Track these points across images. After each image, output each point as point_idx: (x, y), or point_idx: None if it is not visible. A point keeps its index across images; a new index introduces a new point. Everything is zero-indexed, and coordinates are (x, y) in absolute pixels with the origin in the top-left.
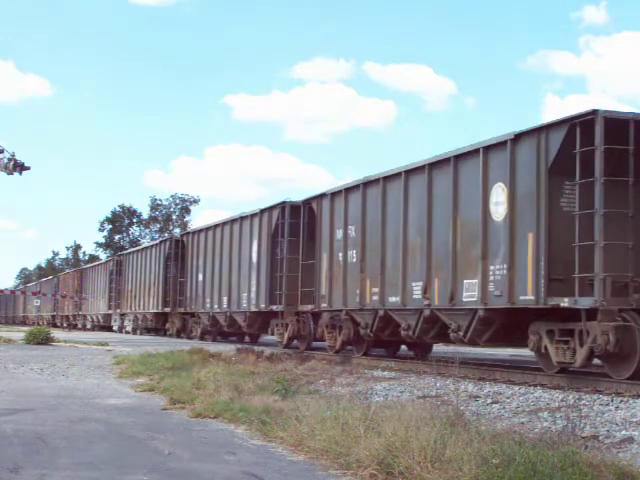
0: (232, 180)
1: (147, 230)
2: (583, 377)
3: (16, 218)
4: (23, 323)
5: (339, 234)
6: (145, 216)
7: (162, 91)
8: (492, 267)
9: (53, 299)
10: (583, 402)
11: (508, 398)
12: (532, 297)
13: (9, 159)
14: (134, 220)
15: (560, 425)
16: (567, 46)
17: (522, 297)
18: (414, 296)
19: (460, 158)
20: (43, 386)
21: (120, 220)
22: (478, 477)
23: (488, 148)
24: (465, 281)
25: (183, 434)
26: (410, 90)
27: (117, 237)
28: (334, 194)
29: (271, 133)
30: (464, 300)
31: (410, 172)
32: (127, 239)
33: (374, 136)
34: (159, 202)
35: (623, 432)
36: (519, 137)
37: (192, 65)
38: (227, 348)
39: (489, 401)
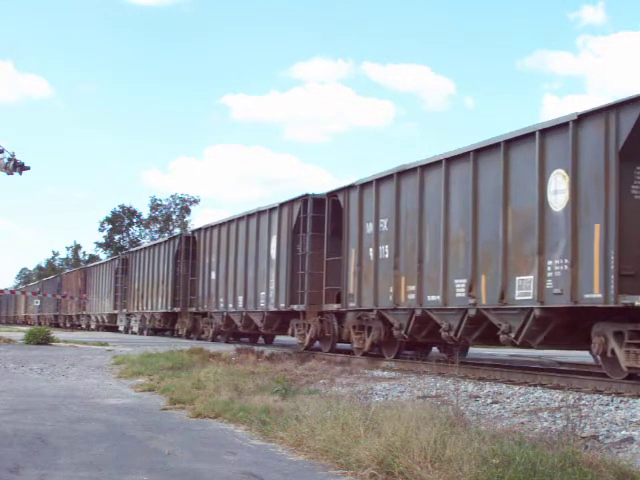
0: (231, 180)
1: (147, 230)
2: (583, 377)
3: (16, 218)
4: (24, 323)
5: (369, 228)
6: (145, 216)
7: (161, 91)
8: (550, 262)
9: (55, 299)
10: (583, 402)
11: (508, 398)
12: (599, 295)
13: (9, 159)
14: (134, 220)
15: (560, 425)
16: (565, 46)
17: (587, 295)
18: (457, 294)
19: (511, 143)
20: (43, 386)
21: (120, 220)
22: (478, 477)
23: (545, 131)
24: (518, 278)
25: (183, 434)
26: (409, 90)
27: (117, 237)
28: (363, 185)
29: (270, 133)
30: (517, 299)
31: (452, 160)
32: (127, 239)
33: (373, 136)
34: (159, 202)
35: (623, 432)
36: (583, 118)
37: (191, 65)
38: (227, 348)
39: (489, 401)
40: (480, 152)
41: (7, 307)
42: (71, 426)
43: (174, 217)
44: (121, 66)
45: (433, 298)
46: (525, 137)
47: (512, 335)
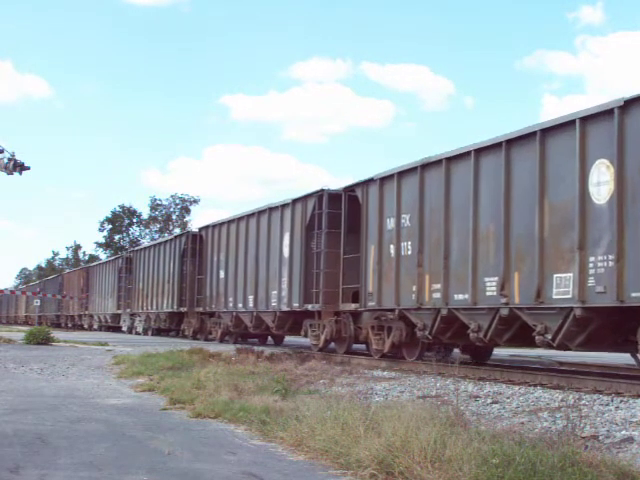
0: (230, 180)
1: (147, 230)
2: (583, 377)
3: (16, 218)
4: (25, 323)
5: (390, 224)
6: (145, 216)
7: (160, 91)
8: (592, 258)
9: (56, 299)
10: (583, 402)
11: (508, 398)
12: None
13: (9, 159)
14: (134, 220)
15: (560, 425)
16: (564, 46)
17: (635, 294)
18: (487, 293)
19: (548, 132)
20: (43, 386)
21: (120, 220)
22: (478, 477)
23: (586, 119)
24: (555, 275)
25: (183, 434)
26: (408, 90)
27: (117, 237)
28: (384, 179)
29: (269, 133)
30: (554, 297)
31: (482, 151)
32: (127, 239)
33: (372, 136)
34: (159, 202)
35: (623, 432)
36: (630, 104)
37: (190, 65)
38: (227, 348)
39: (489, 401)
40: (513, 142)
41: (8, 307)
42: (71, 426)
43: (174, 217)
44: (120, 66)
45: (460, 297)
46: (564, 126)
47: (549, 336)
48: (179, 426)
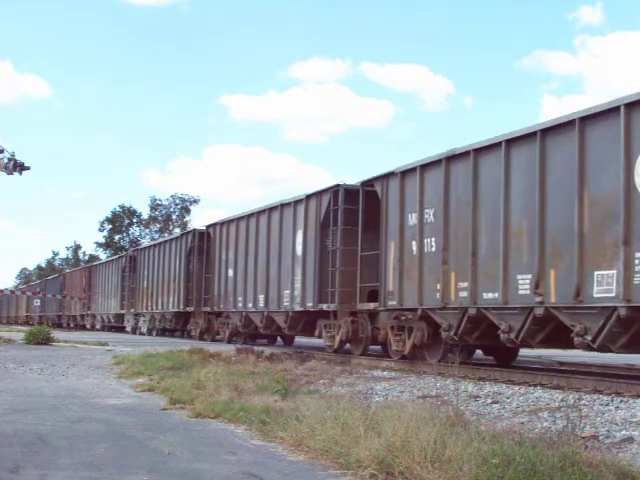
0: (230, 180)
1: (147, 230)
2: (583, 377)
3: (16, 218)
4: (26, 323)
5: (412, 219)
6: (145, 216)
7: (160, 91)
8: (638, 254)
9: (56, 299)
10: (583, 402)
11: (508, 398)
12: None
13: (9, 159)
14: (134, 220)
15: (560, 425)
16: (564, 46)
17: None
18: (520, 291)
19: (588, 120)
20: (43, 386)
21: (120, 220)
22: (478, 477)
23: (632, 105)
24: (597, 272)
25: (183, 434)
26: (407, 90)
27: (117, 237)
28: (405, 172)
29: (269, 133)
30: (595, 296)
31: (513, 141)
32: (127, 239)
33: (372, 136)
34: (159, 202)
35: (623, 432)
36: None
37: (189, 65)
38: (227, 348)
39: (489, 401)
40: (549, 132)
41: (8, 307)
42: (71, 426)
43: (174, 217)
44: (120, 66)
45: (490, 296)
46: (607, 113)
47: (588, 338)
48: (179, 426)
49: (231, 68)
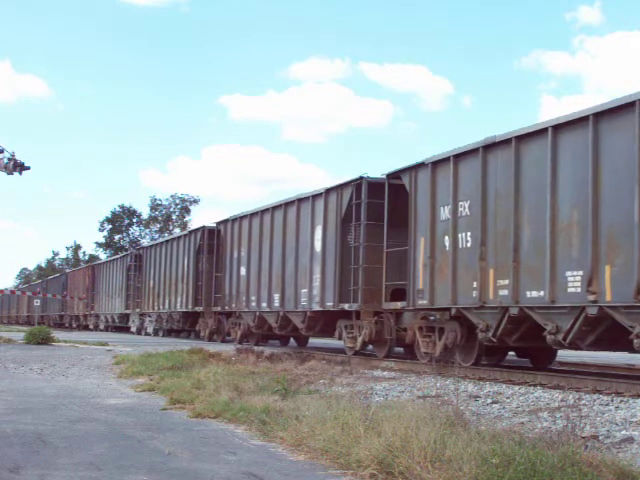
0: (229, 180)
1: (147, 230)
2: (583, 377)
3: (16, 218)
4: (27, 323)
5: (444, 213)
6: (145, 216)
7: (159, 91)
8: None
9: (56, 299)
10: (583, 402)
11: (508, 398)
12: None
13: (9, 159)
14: (134, 220)
15: (560, 425)
16: (562, 46)
17: None
18: (570, 289)
19: None
20: (43, 386)
21: (120, 220)
22: (478, 477)
23: None
24: None
25: (183, 434)
26: (406, 90)
27: (117, 237)
28: (437, 163)
29: (268, 133)
30: None
31: (561, 127)
32: (127, 239)
33: (371, 136)
34: (159, 202)
35: (623, 432)
36: None
37: (188, 65)
38: (227, 348)
39: (489, 401)
40: (603, 115)
41: (9, 307)
42: (71, 426)
43: (174, 217)
44: (119, 66)
45: (534, 294)
46: None
47: None
48: (179, 426)
49: (230, 68)
